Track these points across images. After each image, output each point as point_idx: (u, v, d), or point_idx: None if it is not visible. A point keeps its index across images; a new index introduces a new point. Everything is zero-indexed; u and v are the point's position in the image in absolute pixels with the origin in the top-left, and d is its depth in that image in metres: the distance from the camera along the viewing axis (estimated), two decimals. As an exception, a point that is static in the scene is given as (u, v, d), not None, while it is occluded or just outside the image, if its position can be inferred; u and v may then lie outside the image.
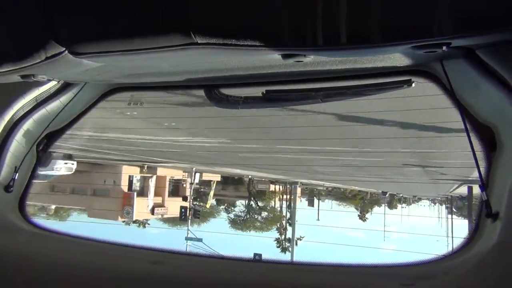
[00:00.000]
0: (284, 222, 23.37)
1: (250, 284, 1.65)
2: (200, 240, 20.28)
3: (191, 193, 19.94)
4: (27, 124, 1.91)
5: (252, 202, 24.55)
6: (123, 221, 19.81)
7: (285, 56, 1.25)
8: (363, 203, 30.55)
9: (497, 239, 1.35)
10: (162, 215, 21.35)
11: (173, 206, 21.01)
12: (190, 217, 19.42)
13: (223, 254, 1.88)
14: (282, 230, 23.30)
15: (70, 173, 17.64)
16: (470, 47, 1.25)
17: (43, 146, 2.05)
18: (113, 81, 1.95)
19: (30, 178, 2.05)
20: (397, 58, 1.37)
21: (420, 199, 35.79)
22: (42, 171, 15.73)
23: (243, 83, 1.83)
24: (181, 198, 20.45)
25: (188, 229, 19.53)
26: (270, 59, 1.36)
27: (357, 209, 30.34)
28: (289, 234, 21.27)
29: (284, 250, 20.48)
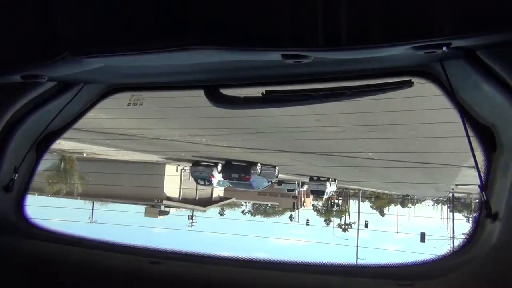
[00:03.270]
0: (346, 213, 35.73)
1: (250, 284, 1.65)
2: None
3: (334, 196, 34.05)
4: (27, 125, 1.90)
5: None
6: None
7: (285, 57, 1.25)
8: (385, 202, 38.76)
9: (497, 239, 1.35)
10: (303, 206, 36.15)
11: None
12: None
13: (223, 254, 1.88)
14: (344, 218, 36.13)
15: (334, 190, 28.60)
16: (471, 48, 1.24)
17: (43, 146, 2.05)
18: (113, 81, 1.95)
19: (30, 178, 2.05)
20: (397, 58, 1.37)
21: (425, 199, 38.23)
22: (328, 189, 25.86)
23: (243, 83, 1.82)
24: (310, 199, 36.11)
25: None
26: (270, 60, 1.35)
27: (372, 207, 38.31)
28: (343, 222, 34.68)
29: (344, 230, 32.41)
